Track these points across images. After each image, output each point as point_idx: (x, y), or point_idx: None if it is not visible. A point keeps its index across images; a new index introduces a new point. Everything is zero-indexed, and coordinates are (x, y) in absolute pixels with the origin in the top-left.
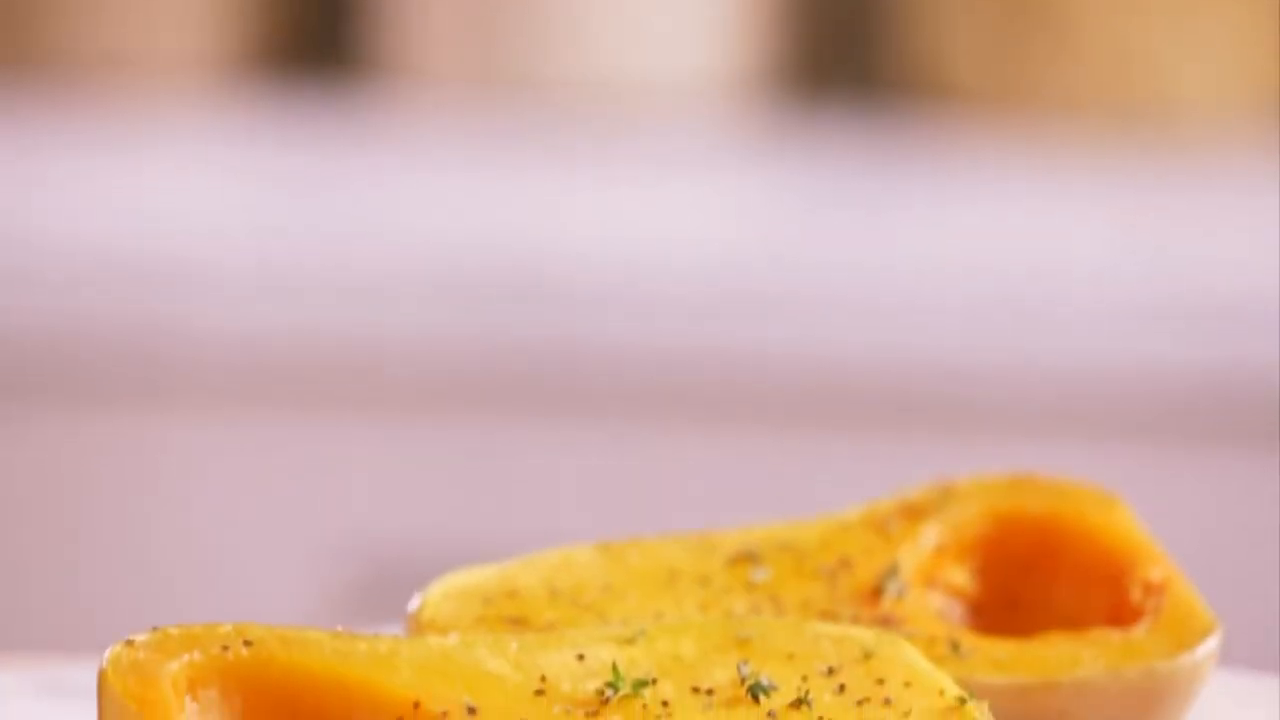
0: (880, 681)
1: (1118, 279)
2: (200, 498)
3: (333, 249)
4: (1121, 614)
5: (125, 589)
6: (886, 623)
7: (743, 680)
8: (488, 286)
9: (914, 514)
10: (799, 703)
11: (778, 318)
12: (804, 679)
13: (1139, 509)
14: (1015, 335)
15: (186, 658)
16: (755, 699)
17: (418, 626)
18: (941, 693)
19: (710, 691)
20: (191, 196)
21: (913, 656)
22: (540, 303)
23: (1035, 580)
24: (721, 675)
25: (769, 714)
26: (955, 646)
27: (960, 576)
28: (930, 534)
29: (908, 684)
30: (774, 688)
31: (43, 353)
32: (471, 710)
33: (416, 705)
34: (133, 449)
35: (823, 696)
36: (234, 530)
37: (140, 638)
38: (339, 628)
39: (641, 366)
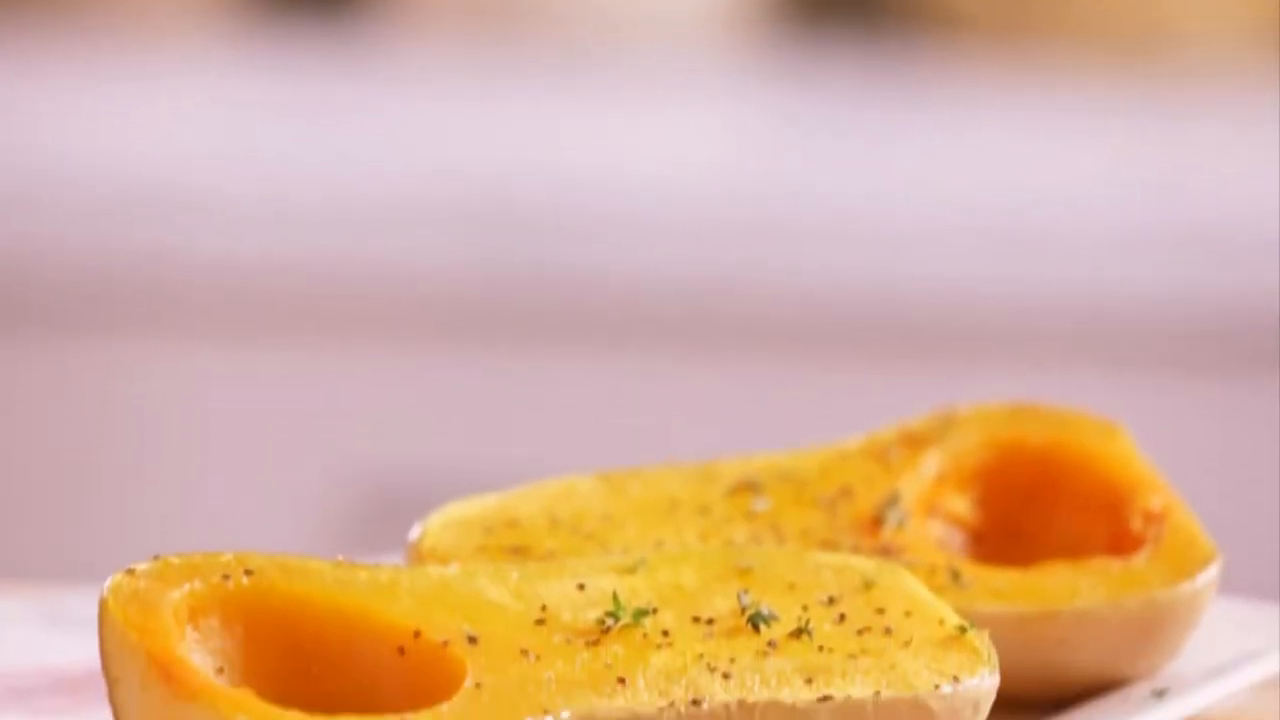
0: (880, 611)
1: (1119, 208)
2: (201, 427)
3: (334, 177)
4: (1122, 543)
5: (126, 518)
6: (886, 552)
7: (743, 610)
8: (489, 216)
9: (915, 443)
10: (799, 632)
11: (779, 246)
12: (804, 608)
13: (1140, 438)
14: (1017, 264)
15: (187, 587)
16: (755, 628)
17: (418, 556)
18: (941, 622)
19: (710, 621)
20: (194, 124)
21: (913, 586)
22: (542, 232)
23: (1036, 509)
24: (722, 605)
25: (769, 643)
26: (955, 576)
27: (961, 505)
28: (931, 463)
29: (908, 613)
30: (774, 617)
31: (43, 279)
32: (472, 639)
33: (417, 634)
34: (135, 377)
35: (823, 626)
36: (235, 459)
37: (141, 567)
38: (339, 557)
39: (644, 295)
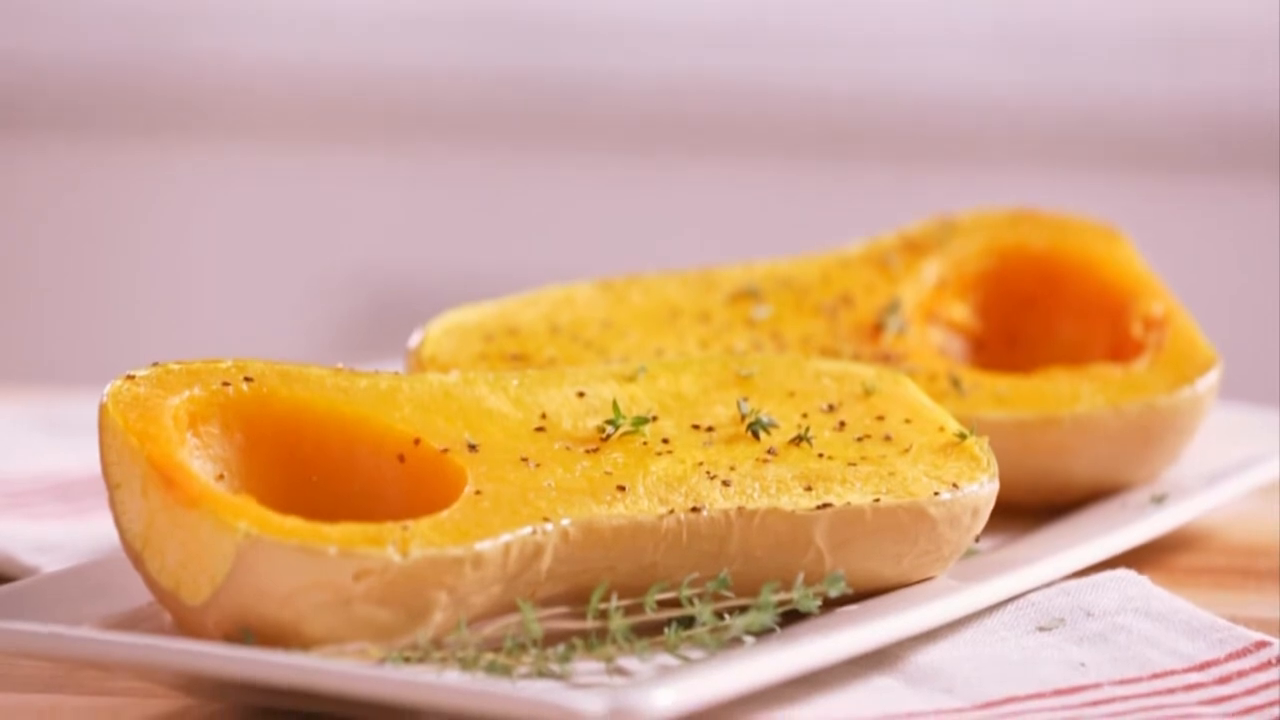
0: (880, 418)
1: (1118, 10)
2: (202, 232)
3: None
4: (1122, 349)
5: (124, 324)
6: (887, 359)
7: (743, 417)
8: (490, 19)
9: (915, 249)
10: (799, 439)
11: (780, 52)
12: (804, 416)
13: (1140, 242)
14: (1017, 67)
15: (187, 393)
16: (755, 436)
17: (418, 363)
18: (941, 429)
19: (710, 428)
20: None
21: (913, 393)
22: (542, 33)
23: (1036, 316)
24: (722, 412)
25: (768, 451)
26: (955, 382)
27: (961, 312)
28: (931, 269)
29: (908, 420)
30: (774, 424)
31: (44, 83)
32: (472, 447)
33: (417, 442)
34: (135, 181)
35: (822, 433)
36: (235, 265)
37: (141, 372)
38: (339, 364)
39: (644, 100)
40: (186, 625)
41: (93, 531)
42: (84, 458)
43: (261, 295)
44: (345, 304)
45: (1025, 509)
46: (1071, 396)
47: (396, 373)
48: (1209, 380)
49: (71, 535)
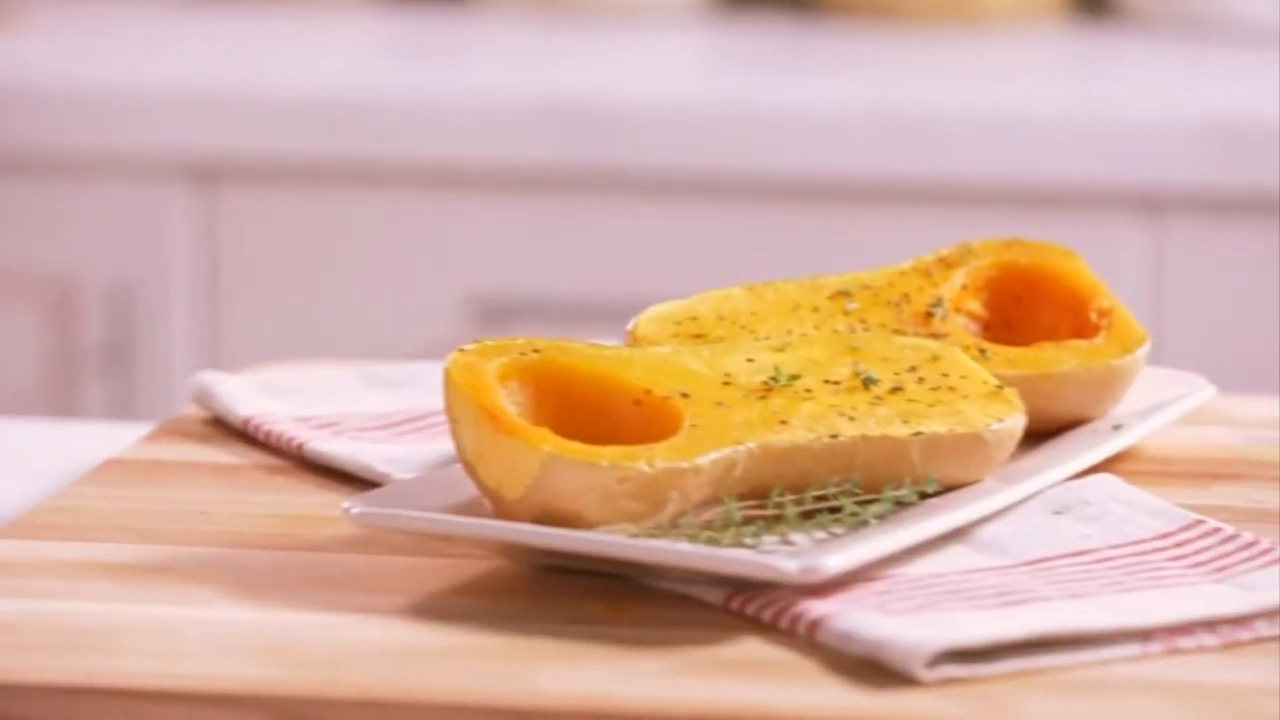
0: (945, 375)
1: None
2: (349, 258)
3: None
4: (1083, 330)
5: (310, 322)
6: (936, 336)
7: (857, 375)
8: (552, 114)
9: (947, 264)
10: (895, 390)
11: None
12: (896, 374)
13: (1090, 263)
14: (1009, 153)
15: (499, 360)
16: (866, 387)
17: (634, 339)
18: (985, 382)
19: (837, 382)
20: None
21: (963, 358)
22: (593, 132)
23: (1024, 309)
24: (843, 371)
25: (876, 397)
26: (982, 352)
27: (976, 306)
28: (958, 277)
29: (963, 377)
30: (877, 380)
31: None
32: (684, 395)
33: (648, 392)
34: (312, 219)
35: (910, 385)
36: (382, 282)
37: (469, 346)
38: (595, 341)
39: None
40: (504, 513)
41: (418, 451)
42: (397, 403)
43: (422, 308)
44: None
45: (1027, 435)
46: (1056, 360)
47: (628, 346)
48: (1144, 349)
49: (405, 454)
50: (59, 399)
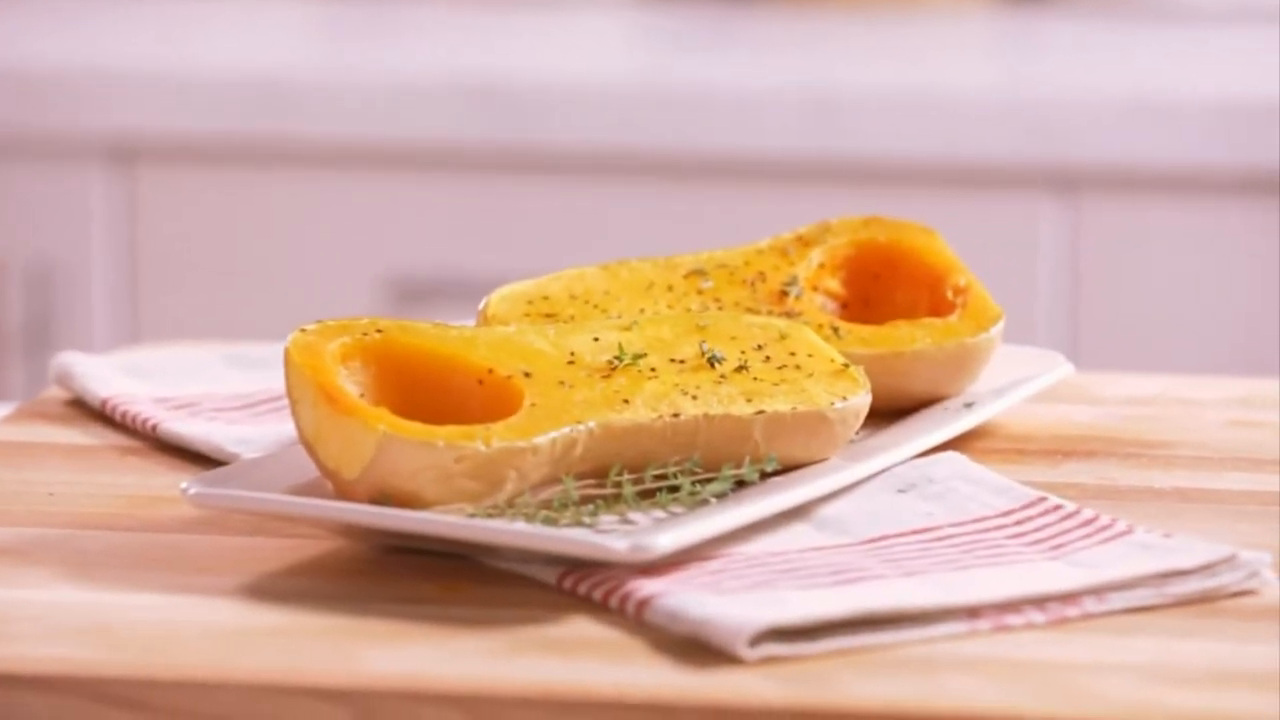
0: (792, 354)
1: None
2: (278, 241)
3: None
4: (940, 307)
5: (239, 303)
6: (790, 315)
7: (703, 353)
8: (479, 93)
9: (804, 243)
10: (740, 368)
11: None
12: (743, 352)
13: (948, 239)
14: (930, 132)
15: (340, 340)
16: (712, 366)
17: (484, 319)
18: (832, 360)
19: (682, 361)
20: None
21: (812, 337)
22: (515, 113)
23: (881, 286)
24: (689, 350)
25: (721, 376)
26: (835, 330)
27: (833, 284)
28: (815, 255)
29: (810, 355)
30: (723, 358)
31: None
32: (527, 374)
33: (490, 371)
34: (240, 202)
35: (755, 364)
36: (301, 264)
37: (310, 326)
38: (436, 321)
39: (630, 162)
40: (343, 493)
41: (272, 431)
42: (258, 383)
43: (336, 285)
44: (394, 290)
45: (881, 414)
46: (910, 338)
47: (471, 325)
48: (998, 328)
49: (259, 434)
50: None
